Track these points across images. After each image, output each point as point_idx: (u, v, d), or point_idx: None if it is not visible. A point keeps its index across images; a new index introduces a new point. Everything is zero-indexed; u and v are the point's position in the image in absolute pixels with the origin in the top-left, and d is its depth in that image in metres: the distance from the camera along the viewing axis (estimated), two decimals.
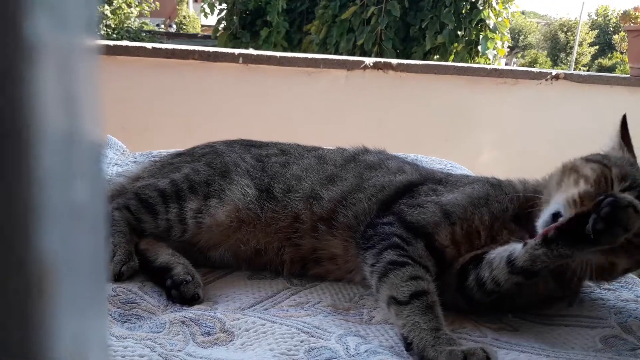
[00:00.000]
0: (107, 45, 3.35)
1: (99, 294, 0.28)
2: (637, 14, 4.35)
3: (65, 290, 0.24)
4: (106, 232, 0.28)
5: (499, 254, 1.14)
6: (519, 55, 22.52)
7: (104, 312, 0.30)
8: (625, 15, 4.43)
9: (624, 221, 0.99)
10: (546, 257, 1.06)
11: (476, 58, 7.61)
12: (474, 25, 7.53)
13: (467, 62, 7.42)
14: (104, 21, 11.17)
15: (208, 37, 11.51)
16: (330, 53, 7.72)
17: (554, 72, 3.99)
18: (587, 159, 1.25)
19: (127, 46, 3.44)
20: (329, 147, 1.72)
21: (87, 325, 0.26)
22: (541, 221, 1.15)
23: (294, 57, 3.64)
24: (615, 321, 1.17)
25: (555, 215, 1.12)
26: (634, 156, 1.28)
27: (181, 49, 3.45)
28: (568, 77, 3.98)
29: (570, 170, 1.23)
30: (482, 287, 1.16)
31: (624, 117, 1.36)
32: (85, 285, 0.26)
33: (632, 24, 4.41)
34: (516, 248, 1.11)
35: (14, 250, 0.23)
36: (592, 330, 1.14)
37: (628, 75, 4.25)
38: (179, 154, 1.61)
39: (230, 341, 1.04)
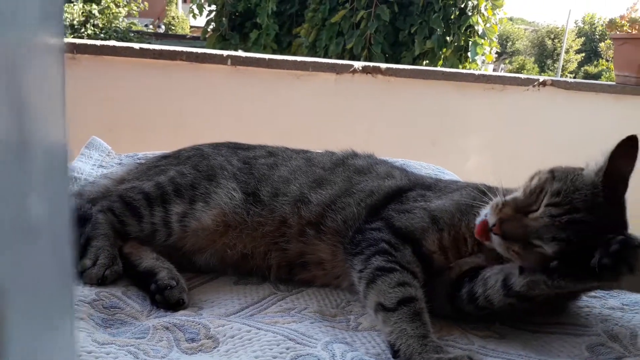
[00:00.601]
0: (94, 45, 3.32)
1: (63, 313, 0.26)
2: (623, 22, 4.40)
3: (19, 311, 0.22)
4: (72, 248, 0.26)
5: (494, 274, 1.14)
6: (507, 61, 22.70)
7: (70, 333, 0.28)
8: (612, 24, 4.48)
9: (631, 261, 1.00)
10: (545, 285, 1.06)
11: (465, 64, 7.67)
12: (462, 31, 7.58)
13: (456, 67, 7.46)
14: (92, 20, 11.07)
15: (197, 38, 11.46)
16: (319, 56, 7.72)
17: (541, 78, 4.01)
18: (551, 170, 1.20)
19: (114, 46, 3.40)
20: (317, 150, 1.71)
21: (46, 346, 0.24)
22: (477, 219, 1.16)
23: (282, 60, 3.62)
24: (601, 329, 1.17)
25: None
26: (614, 187, 1.10)
27: (169, 50, 3.42)
28: (555, 83, 4.01)
29: (531, 177, 1.22)
30: (473, 302, 1.16)
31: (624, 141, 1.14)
32: (44, 305, 0.24)
33: (618, 32, 4.46)
34: (513, 272, 1.11)
35: None
36: (578, 338, 1.14)
37: (614, 83, 4.30)
38: (164, 157, 1.59)
39: (214, 348, 1.02)
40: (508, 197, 1.15)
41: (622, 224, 1.09)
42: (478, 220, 1.15)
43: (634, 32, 4.22)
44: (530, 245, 1.07)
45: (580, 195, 1.07)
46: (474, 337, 1.14)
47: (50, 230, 0.24)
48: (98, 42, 3.40)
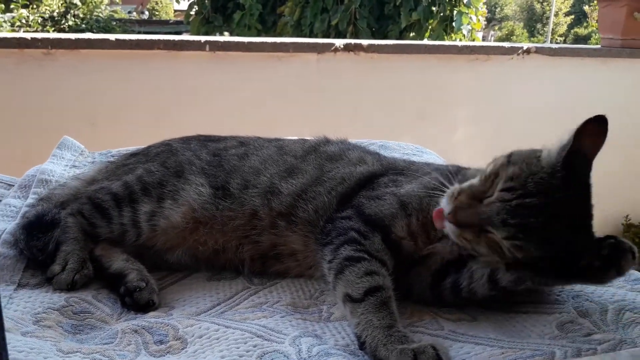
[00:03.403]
0: (69, 39, 3.27)
1: None
2: None
3: None
4: None
5: (481, 267, 1.14)
6: (496, 27, 22.49)
7: None
8: None
9: (621, 264, 1.01)
10: (531, 281, 1.08)
11: (452, 34, 7.58)
12: (448, 1, 7.48)
13: (442, 38, 7.37)
14: (72, 11, 10.85)
15: (181, 22, 11.31)
16: (305, 34, 7.61)
17: (525, 46, 3.97)
18: (509, 154, 1.15)
19: (89, 39, 3.35)
20: (291, 138, 1.69)
21: None
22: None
23: (262, 42, 3.57)
24: (572, 306, 1.16)
25: None
26: (576, 169, 1.06)
27: (145, 40, 3.37)
28: (539, 50, 3.97)
29: (490, 162, 1.18)
30: (457, 293, 1.17)
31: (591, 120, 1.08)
32: None
33: None
34: (500, 267, 1.10)
35: None
36: (549, 317, 1.14)
37: (599, 47, 4.25)
38: (134, 154, 1.57)
39: (183, 349, 1.02)
40: (465, 184, 1.13)
41: (584, 207, 1.06)
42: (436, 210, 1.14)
43: None
44: (483, 232, 1.06)
45: (535, 178, 1.04)
46: (445, 321, 1.14)
47: None
48: (73, 36, 3.35)
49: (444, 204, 1.12)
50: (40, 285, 1.23)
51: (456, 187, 1.13)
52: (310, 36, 7.43)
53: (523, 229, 1.01)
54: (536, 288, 1.11)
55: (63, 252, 1.28)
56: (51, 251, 1.29)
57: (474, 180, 1.13)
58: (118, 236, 1.35)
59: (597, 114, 1.10)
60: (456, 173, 1.34)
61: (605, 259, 1.01)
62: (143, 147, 1.62)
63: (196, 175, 1.39)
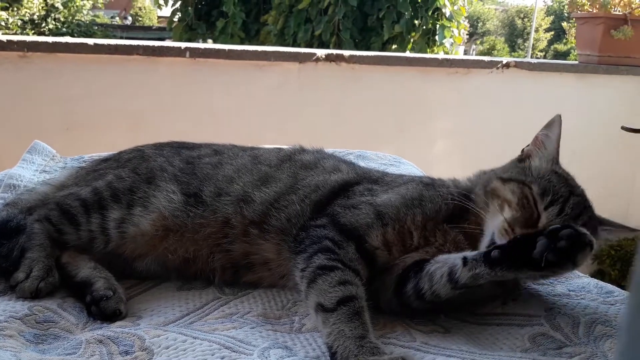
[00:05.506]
0: (46, 42, 3.22)
1: None
2: (584, 1, 4.41)
3: None
4: None
5: (439, 267, 1.13)
6: (478, 42, 22.85)
7: None
8: (573, 3, 4.49)
9: (577, 259, 1.00)
10: (489, 276, 1.06)
11: (434, 47, 7.65)
12: (430, 14, 7.56)
13: (425, 51, 7.44)
14: (53, 14, 10.72)
15: (164, 29, 11.27)
16: (288, 43, 7.62)
17: (505, 60, 4.02)
18: (504, 179, 1.25)
19: (67, 43, 3.30)
20: (267, 146, 1.67)
21: None
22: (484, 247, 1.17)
23: (243, 50, 3.56)
24: (544, 318, 1.16)
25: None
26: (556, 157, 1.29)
27: (124, 45, 3.33)
28: (518, 65, 4.02)
29: (492, 193, 1.24)
30: (421, 298, 1.15)
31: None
32: None
33: (579, 11, 4.48)
34: (457, 264, 1.10)
35: None
36: (522, 329, 1.13)
37: (577, 62, 4.32)
38: (105, 159, 1.54)
39: None
40: (507, 217, 1.16)
41: None
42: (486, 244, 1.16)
43: (594, 11, 4.24)
44: None
45: (558, 182, 1.20)
46: (417, 333, 1.13)
47: None
48: (50, 39, 3.30)
49: (500, 240, 1.13)
50: (3, 294, 1.19)
51: (501, 220, 1.16)
52: (293, 46, 7.44)
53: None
54: (497, 280, 1.10)
55: (28, 259, 1.24)
56: (16, 258, 1.25)
57: (507, 213, 1.18)
58: (86, 243, 1.32)
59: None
60: (432, 183, 1.34)
61: (562, 252, 0.98)
62: (115, 152, 1.59)
63: (167, 182, 1.36)
